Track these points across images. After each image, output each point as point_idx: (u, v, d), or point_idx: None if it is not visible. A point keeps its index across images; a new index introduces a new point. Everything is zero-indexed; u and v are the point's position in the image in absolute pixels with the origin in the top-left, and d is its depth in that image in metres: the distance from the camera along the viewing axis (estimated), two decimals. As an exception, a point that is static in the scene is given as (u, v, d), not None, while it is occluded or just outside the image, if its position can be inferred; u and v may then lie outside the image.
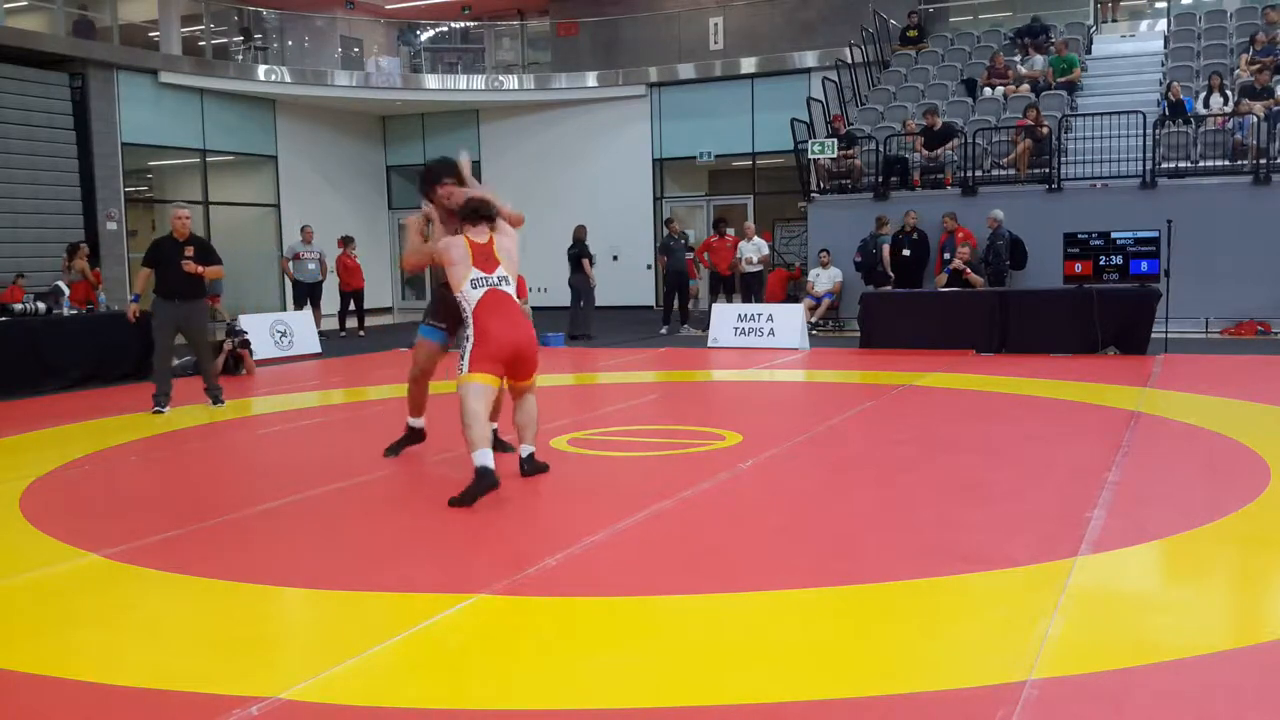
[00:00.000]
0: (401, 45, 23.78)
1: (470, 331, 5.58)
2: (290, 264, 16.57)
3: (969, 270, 13.15)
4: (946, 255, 13.93)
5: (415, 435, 6.78)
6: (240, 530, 5.05)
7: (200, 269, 8.91)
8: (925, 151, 15.57)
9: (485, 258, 5.69)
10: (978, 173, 15.38)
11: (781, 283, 17.78)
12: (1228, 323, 13.69)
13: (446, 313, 6.33)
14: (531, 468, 5.95)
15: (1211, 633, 3.58)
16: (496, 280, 5.65)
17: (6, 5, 17.33)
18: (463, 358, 5.54)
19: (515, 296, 5.74)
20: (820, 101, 17.24)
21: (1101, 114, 14.97)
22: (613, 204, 21.04)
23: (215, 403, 9.28)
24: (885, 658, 3.36)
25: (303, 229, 16.89)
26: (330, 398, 10.40)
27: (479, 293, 5.60)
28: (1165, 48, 17.73)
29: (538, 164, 22.48)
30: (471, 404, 5.39)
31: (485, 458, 5.31)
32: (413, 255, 6.41)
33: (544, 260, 20.95)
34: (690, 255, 16.45)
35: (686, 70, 21.34)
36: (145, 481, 6.39)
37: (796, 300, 15.79)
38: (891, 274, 14.74)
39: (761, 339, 13.30)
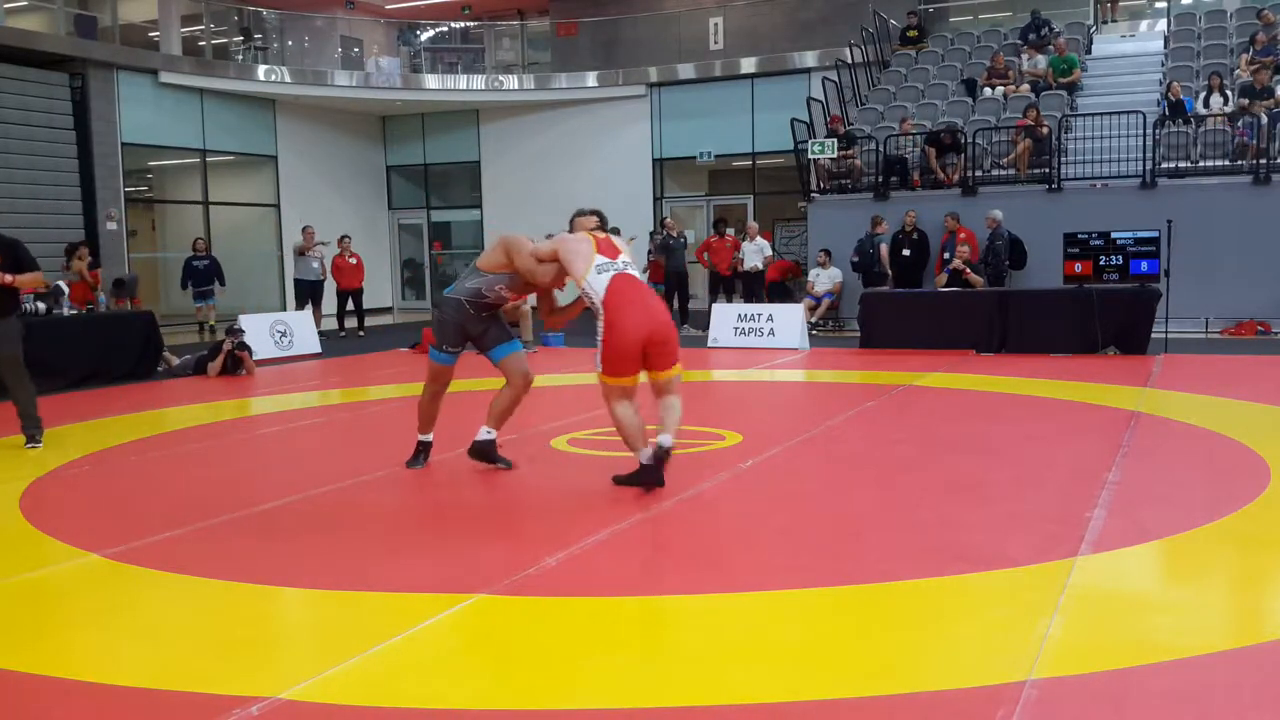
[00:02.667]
0: (401, 45, 23.79)
1: (600, 324, 5.35)
2: (297, 258, 16.51)
3: (969, 270, 13.15)
4: (946, 255, 13.93)
5: (427, 448, 6.44)
6: (240, 530, 5.05)
7: (7, 278, 7.08)
8: (936, 163, 15.54)
9: (608, 247, 5.54)
10: (978, 173, 15.38)
11: (780, 270, 17.42)
12: (1228, 323, 13.69)
13: (460, 338, 6.01)
14: (660, 464, 5.57)
15: (1211, 633, 3.58)
16: (622, 265, 5.46)
17: (6, 5, 17.33)
18: (597, 355, 5.41)
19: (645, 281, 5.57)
20: (820, 101, 17.24)
21: (1101, 114, 14.97)
22: (613, 204, 20.95)
23: (30, 442, 7.29)
24: (885, 658, 3.36)
25: (304, 229, 16.85)
26: (330, 398, 10.41)
27: (605, 277, 5.34)
28: (1165, 48, 17.73)
29: (538, 164, 22.48)
30: (616, 411, 5.42)
31: (646, 456, 5.44)
32: (540, 272, 5.77)
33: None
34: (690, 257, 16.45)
35: (686, 70, 21.34)
36: (145, 481, 6.39)
37: (788, 290, 15.73)
38: (889, 273, 14.73)
39: (761, 339, 13.30)
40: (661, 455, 5.43)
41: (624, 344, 5.30)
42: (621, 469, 5.81)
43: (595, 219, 5.86)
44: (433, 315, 6.21)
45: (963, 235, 13.93)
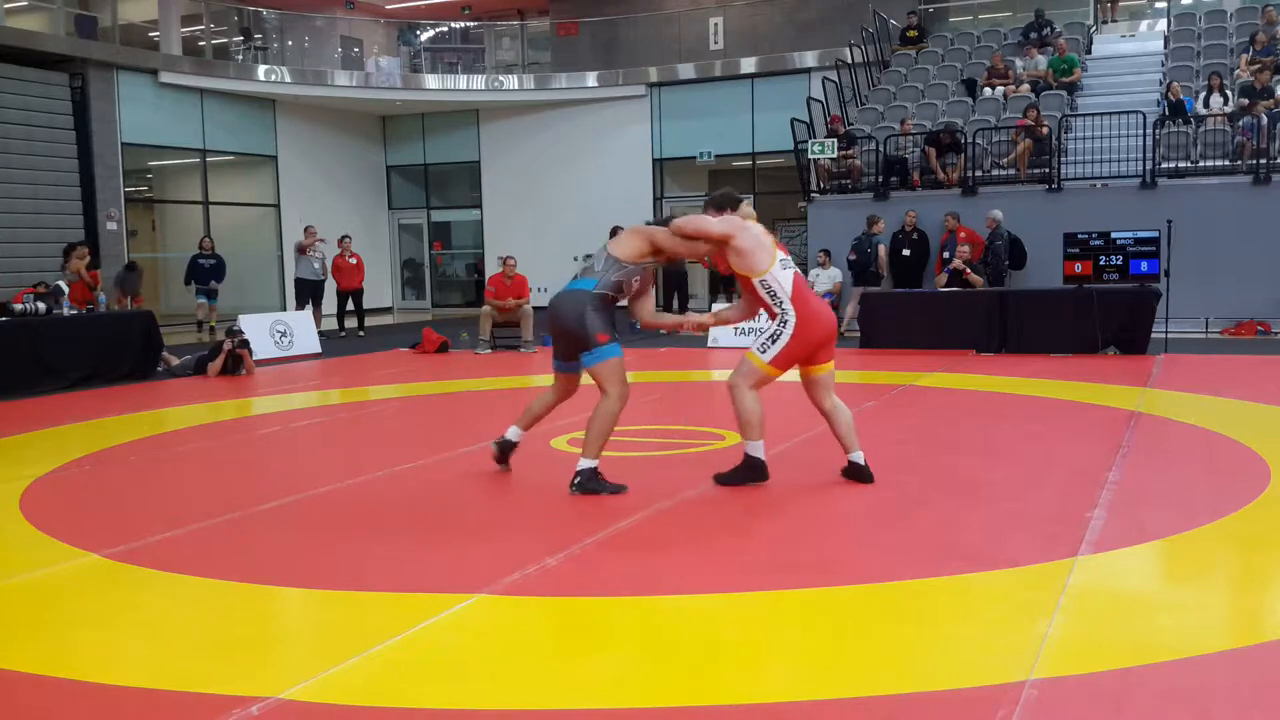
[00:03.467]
0: (401, 45, 23.80)
1: (791, 318, 5.36)
2: (298, 258, 16.55)
3: (969, 270, 13.15)
4: (946, 255, 13.92)
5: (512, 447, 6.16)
6: (240, 530, 5.05)
7: None
8: (936, 163, 15.54)
9: (775, 241, 5.58)
10: (978, 173, 15.38)
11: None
12: (1228, 323, 13.69)
13: (569, 351, 5.67)
14: (861, 474, 5.67)
15: (1211, 633, 3.58)
16: (792, 262, 5.58)
17: (6, 5, 17.33)
18: (769, 346, 5.42)
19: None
20: (820, 101, 17.24)
21: (1101, 114, 14.97)
22: (613, 204, 21.05)
23: None
24: (885, 658, 3.36)
25: (306, 229, 16.87)
26: (330, 398, 10.40)
27: (789, 274, 5.44)
28: (1165, 48, 17.73)
29: (538, 164, 22.49)
30: (750, 400, 5.50)
31: (759, 450, 5.57)
32: (699, 250, 5.65)
33: (545, 260, 20.93)
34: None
35: (686, 70, 21.35)
36: (145, 481, 6.39)
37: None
38: (884, 274, 14.70)
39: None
40: (865, 474, 5.65)
41: (812, 340, 5.43)
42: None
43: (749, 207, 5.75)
44: (568, 314, 5.47)
45: (963, 234, 13.92)
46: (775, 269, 5.41)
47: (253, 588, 4.17)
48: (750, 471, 5.59)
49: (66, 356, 10.69)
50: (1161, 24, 19.31)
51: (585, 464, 5.50)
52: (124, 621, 3.86)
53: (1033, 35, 17.86)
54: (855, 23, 19.23)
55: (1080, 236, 12.02)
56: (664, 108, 21.61)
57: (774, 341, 5.43)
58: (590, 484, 5.47)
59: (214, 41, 20.89)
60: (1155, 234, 11.74)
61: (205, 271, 16.64)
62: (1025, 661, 3.22)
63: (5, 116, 16.17)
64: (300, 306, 16.06)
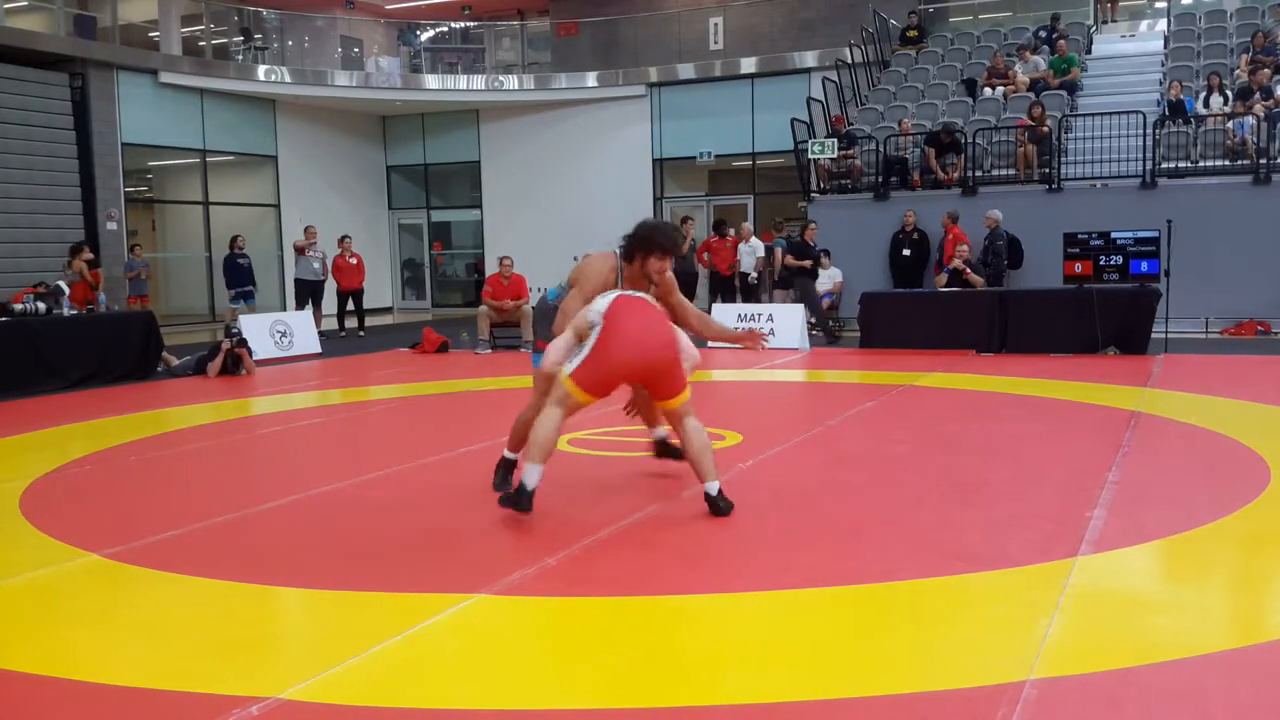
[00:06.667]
0: (401, 45, 23.81)
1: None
2: (297, 258, 16.52)
3: (969, 270, 13.14)
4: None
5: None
6: (240, 530, 5.05)
7: None
8: (936, 163, 15.54)
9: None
10: (978, 173, 15.38)
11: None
12: (1228, 323, 13.68)
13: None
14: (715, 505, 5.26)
15: (1211, 633, 3.58)
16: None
17: (6, 5, 17.33)
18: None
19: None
20: (820, 101, 17.24)
21: (1101, 114, 14.97)
22: (613, 204, 21.04)
23: None
24: (885, 658, 3.36)
25: (306, 229, 16.85)
26: (330, 398, 10.40)
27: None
28: (1165, 48, 17.74)
29: (538, 164, 22.49)
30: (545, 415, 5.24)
31: (535, 479, 4.94)
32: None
33: (545, 260, 20.90)
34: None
35: (686, 70, 21.35)
36: (145, 481, 6.39)
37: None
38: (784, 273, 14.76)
39: (761, 339, 13.26)
40: (724, 506, 5.01)
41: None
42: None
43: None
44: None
45: (950, 236, 13.92)
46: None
47: (253, 588, 4.17)
48: (521, 498, 4.92)
49: (67, 356, 10.69)
50: (1161, 24, 19.32)
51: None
52: (123, 621, 3.86)
53: (1042, 34, 17.86)
54: (855, 23, 19.23)
55: (1080, 236, 12.02)
56: (664, 108, 21.61)
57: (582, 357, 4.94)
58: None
59: (214, 41, 20.89)
60: (1155, 234, 11.73)
61: (244, 272, 16.25)
62: (1025, 661, 3.22)
63: (5, 116, 16.15)
64: (300, 307, 16.04)
